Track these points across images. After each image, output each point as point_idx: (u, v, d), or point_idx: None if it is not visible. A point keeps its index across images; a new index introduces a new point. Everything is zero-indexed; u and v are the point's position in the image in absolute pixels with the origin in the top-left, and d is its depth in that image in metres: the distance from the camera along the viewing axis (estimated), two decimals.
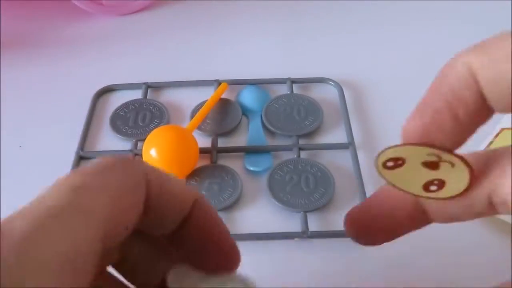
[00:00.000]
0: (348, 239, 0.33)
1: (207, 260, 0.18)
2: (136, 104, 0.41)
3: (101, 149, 0.38)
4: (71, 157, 0.37)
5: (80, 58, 0.47)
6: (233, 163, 0.37)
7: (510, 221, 0.32)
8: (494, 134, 0.37)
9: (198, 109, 0.39)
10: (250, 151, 0.37)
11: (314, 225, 0.33)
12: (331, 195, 0.34)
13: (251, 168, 0.36)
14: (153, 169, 0.17)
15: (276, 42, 0.48)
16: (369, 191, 0.35)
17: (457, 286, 0.30)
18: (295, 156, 0.37)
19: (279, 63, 0.46)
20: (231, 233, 0.20)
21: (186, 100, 0.42)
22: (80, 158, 0.37)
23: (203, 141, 0.38)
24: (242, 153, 0.37)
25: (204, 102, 0.40)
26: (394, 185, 0.19)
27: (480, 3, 0.51)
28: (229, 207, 0.34)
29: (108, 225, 0.14)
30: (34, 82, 0.45)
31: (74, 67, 0.46)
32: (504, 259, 0.31)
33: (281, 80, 0.43)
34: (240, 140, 0.39)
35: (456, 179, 0.18)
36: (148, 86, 0.43)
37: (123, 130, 0.39)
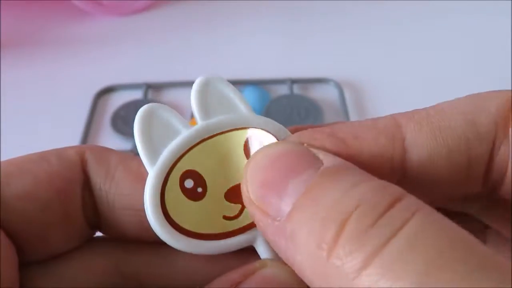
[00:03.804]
0: None
1: None
2: (136, 104, 0.41)
3: None
4: None
5: (80, 58, 0.47)
6: None
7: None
8: None
9: None
10: None
11: None
12: None
13: None
14: (96, 161, 0.16)
15: (277, 42, 0.48)
16: None
17: None
18: None
19: (280, 63, 0.46)
20: None
21: (187, 100, 0.42)
22: None
23: None
24: None
25: None
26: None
27: (480, 3, 0.51)
28: None
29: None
30: (34, 82, 0.45)
31: (75, 67, 0.46)
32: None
33: (281, 80, 0.43)
34: None
35: None
36: (148, 86, 0.43)
37: (124, 129, 0.39)
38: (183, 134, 0.15)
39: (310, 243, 0.11)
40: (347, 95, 0.42)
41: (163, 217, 0.14)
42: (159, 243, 0.15)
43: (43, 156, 0.16)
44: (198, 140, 0.15)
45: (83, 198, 0.16)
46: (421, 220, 0.11)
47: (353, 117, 0.40)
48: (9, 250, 0.14)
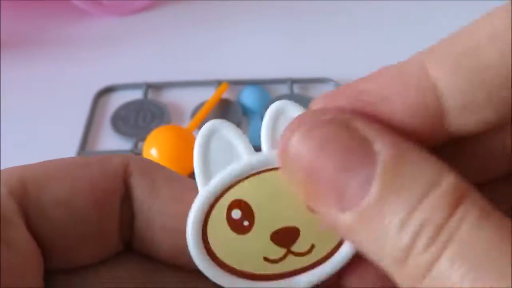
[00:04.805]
0: None
1: None
2: (136, 104, 0.41)
3: (102, 149, 0.38)
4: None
5: (81, 58, 0.47)
6: None
7: None
8: None
9: (199, 109, 0.39)
10: None
11: None
12: None
13: None
14: (142, 170, 0.15)
15: (277, 42, 0.48)
16: None
17: None
18: None
19: (280, 63, 0.46)
20: None
21: (187, 100, 0.42)
22: None
23: None
24: None
25: (204, 102, 0.40)
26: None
27: (480, 3, 0.51)
28: None
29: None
30: (35, 82, 0.45)
31: (75, 67, 0.46)
32: None
33: (281, 80, 0.43)
34: None
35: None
36: (148, 86, 0.43)
37: (124, 130, 0.39)
38: (244, 160, 0.14)
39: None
40: None
41: (202, 242, 0.13)
42: (188, 270, 0.15)
43: (86, 163, 0.15)
44: (257, 171, 0.13)
45: (121, 212, 0.15)
46: (469, 231, 0.11)
47: None
48: (36, 258, 0.13)
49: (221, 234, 0.13)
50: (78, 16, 0.51)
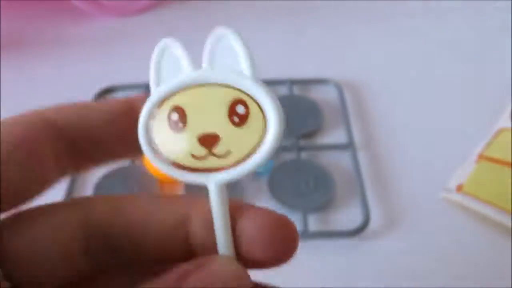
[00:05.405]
0: (348, 239, 0.33)
1: None
2: None
3: None
4: None
5: (81, 58, 0.47)
6: None
7: (510, 224, 0.32)
8: (492, 134, 0.37)
9: None
10: None
11: (314, 225, 0.33)
12: (331, 195, 0.34)
13: None
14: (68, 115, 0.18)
15: (276, 43, 0.48)
16: (369, 191, 0.35)
17: (458, 287, 0.30)
18: (295, 156, 0.37)
19: (279, 64, 0.46)
20: None
21: None
22: None
23: None
24: None
25: None
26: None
27: (479, 3, 0.51)
28: None
29: None
30: (34, 83, 0.45)
31: (75, 67, 0.46)
32: (504, 262, 0.31)
33: (281, 81, 0.43)
34: None
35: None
36: (148, 87, 0.43)
37: None
38: (184, 75, 0.17)
39: None
40: (347, 96, 0.42)
41: (148, 138, 0.17)
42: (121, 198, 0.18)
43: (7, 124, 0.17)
44: (194, 84, 0.17)
45: (56, 152, 0.17)
46: None
47: (353, 117, 0.40)
48: None
49: (162, 132, 0.17)
50: (78, 16, 0.51)
